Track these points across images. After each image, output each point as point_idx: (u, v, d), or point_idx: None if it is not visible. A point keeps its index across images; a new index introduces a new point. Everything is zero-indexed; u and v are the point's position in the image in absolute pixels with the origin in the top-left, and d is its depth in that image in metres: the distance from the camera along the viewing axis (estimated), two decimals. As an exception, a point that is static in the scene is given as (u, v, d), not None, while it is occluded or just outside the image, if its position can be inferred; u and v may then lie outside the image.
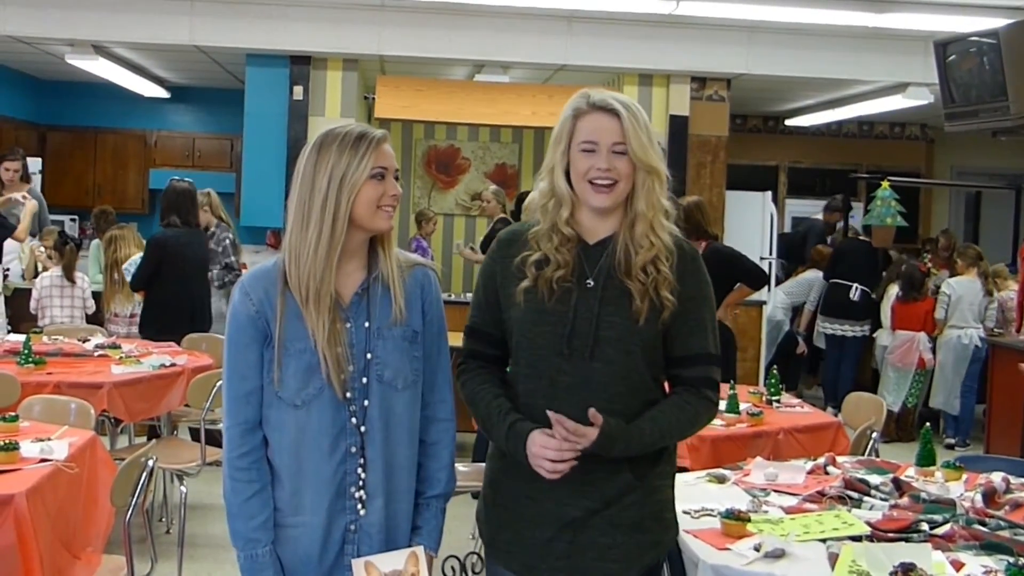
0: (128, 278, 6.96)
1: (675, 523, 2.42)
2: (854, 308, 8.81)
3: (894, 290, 8.51)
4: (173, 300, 6.51)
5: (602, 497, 2.25)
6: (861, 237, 9.25)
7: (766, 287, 7.98)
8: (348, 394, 2.20)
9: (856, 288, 8.77)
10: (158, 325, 6.40)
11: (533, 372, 2.28)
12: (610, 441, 2.18)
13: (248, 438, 2.21)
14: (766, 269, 7.27)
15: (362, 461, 2.22)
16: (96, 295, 7.58)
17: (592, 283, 2.26)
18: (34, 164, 10.14)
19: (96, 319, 7.41)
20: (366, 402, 2.21)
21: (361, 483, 2.22)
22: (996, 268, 8.61)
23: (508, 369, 2.37)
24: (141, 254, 6.96)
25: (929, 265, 9.27)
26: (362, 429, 2.21)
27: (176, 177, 6.93)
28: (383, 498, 2.24)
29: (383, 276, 2.24)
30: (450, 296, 7.85)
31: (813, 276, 9.46)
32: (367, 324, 2.23)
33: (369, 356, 2.22)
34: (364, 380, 2.21)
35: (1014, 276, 8.49)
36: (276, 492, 2.23)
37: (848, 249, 9.15)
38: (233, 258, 7.16)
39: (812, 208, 11.36)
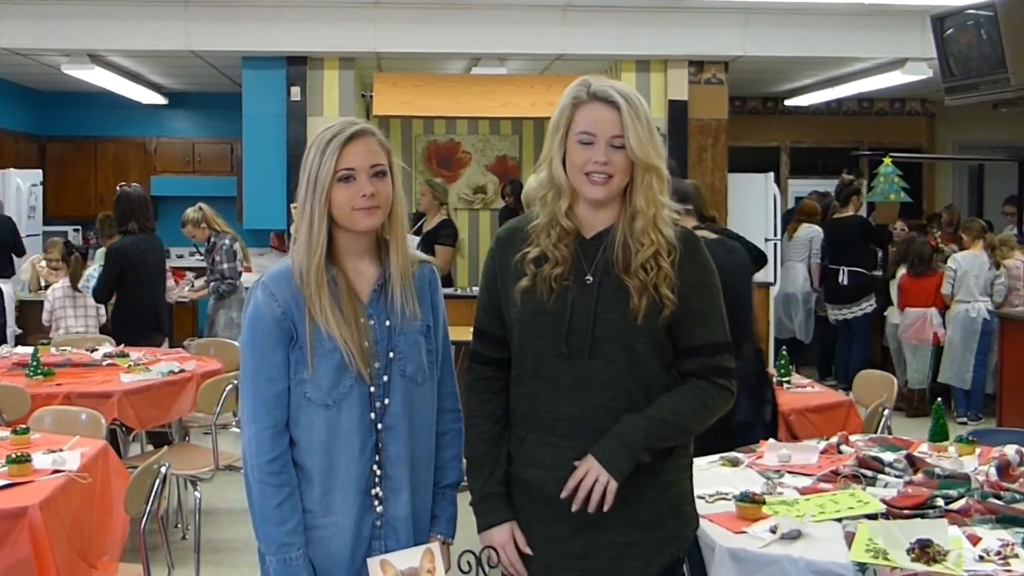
0: (88, 292, 6.92)
1: (695, 516, 2.38)
2: (845, 291, 8.87)
3: (902, 272, 8.47)
4: (139, 307, 6.52)
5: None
6: (841, 214, 9.20)
7: (769, 268, 7.96)
8: (373, 389, 2.21)
9: (843, 271, 8.82)
10: (127, 333, 6.37)
11: (535, 374, 2.26)
12: (607, 454, 2.17)
13: (278, 442, 2.19)
14: (770, 251, 7.24)
15: (388, 456, 2.22)
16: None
17: (591, 279, 2.23)
18: (35, 175, 10.17)
19: (103, 328, 7.40)
20: (389, 399, 2.22)
21: (388, 478, 2.23)
22: (1003, 237, 8.60)
23: (512, 372, 2.34)
24: (98, 266, 6.91)
25: (939, 241, 9.24)
26: (388, 424, 2.22)
27: (124, 183, 6.87)
28: (408, 491, 2.25)
29: (395, 273, 2.24)
30: (456, 291, 7.84)
31: (808, 231, 9.44)
32: (388, 323, 2.23)
33: (392, 355, 2.23)
34: (386, 378, 2.22)
35: (1021, 246, 8.46)
36: (306, 494, 2.21)
37: (832, 231, 9.17)
38: (226, 265, 7.04)
39: (816, 187, 11.29)
